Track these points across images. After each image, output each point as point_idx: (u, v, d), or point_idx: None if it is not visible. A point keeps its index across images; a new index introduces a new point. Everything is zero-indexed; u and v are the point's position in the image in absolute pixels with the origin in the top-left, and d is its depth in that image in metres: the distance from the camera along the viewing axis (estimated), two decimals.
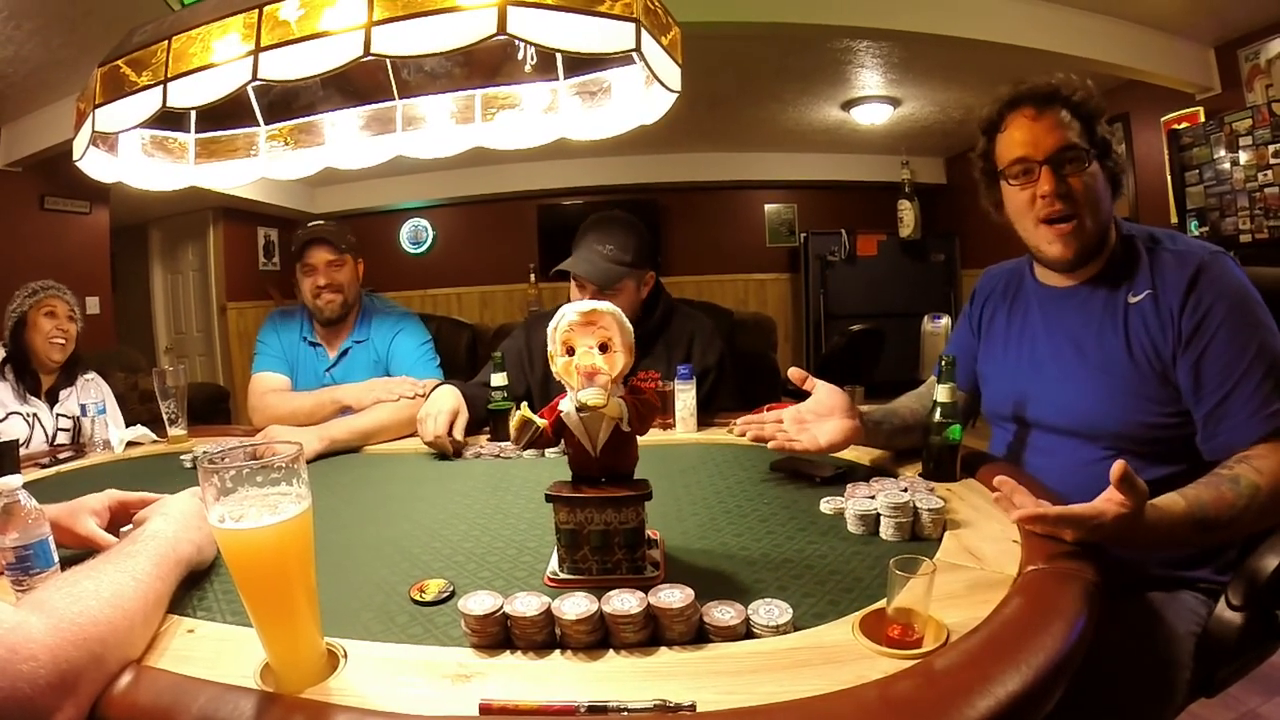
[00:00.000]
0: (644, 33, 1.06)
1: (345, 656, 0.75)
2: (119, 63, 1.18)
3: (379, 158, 1.65)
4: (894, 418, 1.40)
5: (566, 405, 0.90)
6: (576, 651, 0.75)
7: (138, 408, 3.15)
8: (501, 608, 0.76)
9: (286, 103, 1.61)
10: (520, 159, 6.29)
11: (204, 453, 0.68)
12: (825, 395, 1.32)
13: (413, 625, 0.83)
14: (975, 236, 6.58)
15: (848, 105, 5.53)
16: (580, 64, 1.49)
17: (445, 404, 1.67)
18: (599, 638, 0.76)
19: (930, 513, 1.03)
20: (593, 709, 0.64)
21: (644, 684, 0.69)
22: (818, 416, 1.31)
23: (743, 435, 1.36)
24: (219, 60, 1.09)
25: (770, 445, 1.31)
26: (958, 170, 7.14)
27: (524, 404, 0.92)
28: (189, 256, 6.75)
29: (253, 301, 6.67)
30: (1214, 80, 4.22)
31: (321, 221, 2.29)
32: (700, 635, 0.77)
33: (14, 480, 0.92)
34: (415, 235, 7.55)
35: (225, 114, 1.58)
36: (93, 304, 4.82)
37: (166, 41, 1.13)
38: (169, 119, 1.42)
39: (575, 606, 0.75)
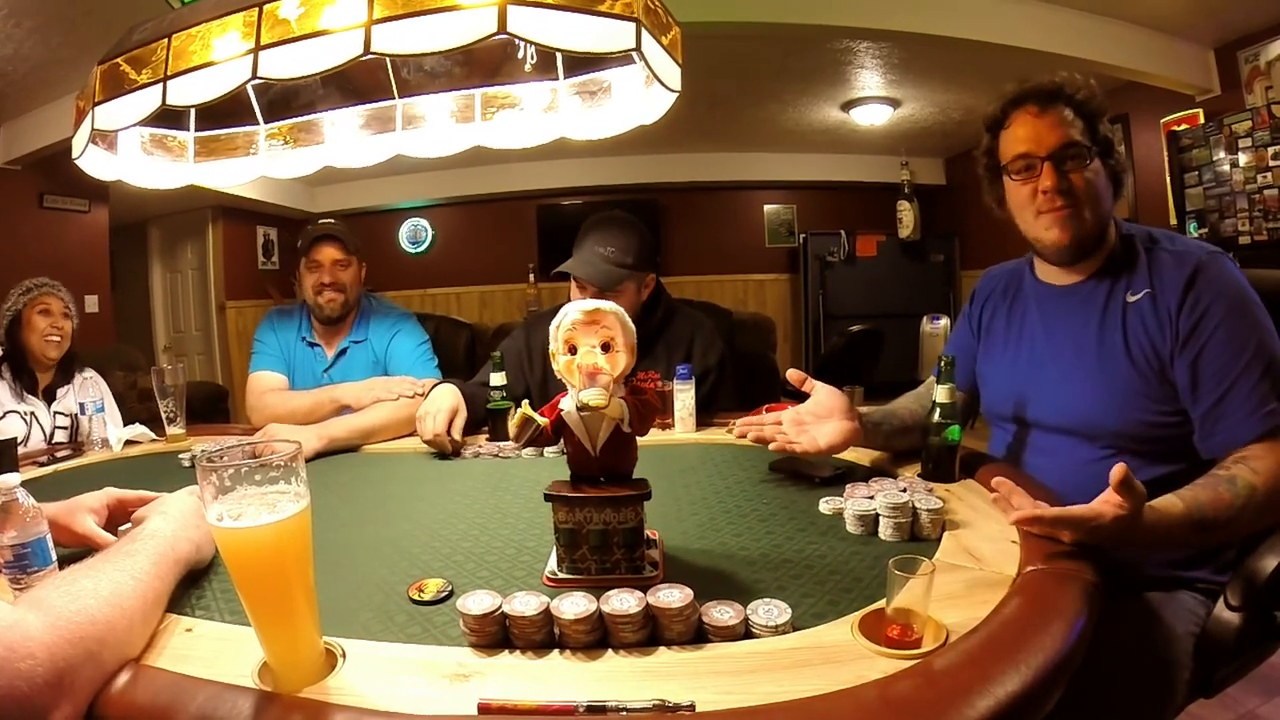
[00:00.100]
0: (644, 32, 1.06)
1: (344, 656, 0.75)
2: (119, 60, 1.17)
3: (378, 157, 1.65)
4: (893, 419, 1.41)
5: (567, 404, 0.90)
6: (575, 651, 0.75)
7: (136, 406, 3.14)
8: (500, 607, 0.76)
9: (286, 101, 1.61)
10: (520, 159, 6.29)
11: (202, 451, 0.67)
12: (824, 397, 1.32)
13: (411, 625, 0.83)
14: (974, 237, 6.58)
15: (847, 106, 5.53)
16: (580, 63, 1.49)
17: (444, 402, 1.67)
18: (598, 637, 0.76)
19: (929, 513, 1.03)
20: (591, 709, 0.64)
21: (643, 684, 0.69)
22: (816, 418, 1.31)
23: (742, 437, 1.36)
24: (219, 58, 1.09)
25: (771, 446, 1.31)
26: (957, 171, 7.15)
27: (525, 402, 0.92)
28: (188, 255, 6.74)
29: (252, 300, 6.66)
30: (1214, 82, 4.22)
31: (332, 220, 2.30)
32: (699, 635, 0.76)
33: (12, 478, 0.92)
34: (414, 235, 7.54)
35: (225, 112, 1.58)
36: (92, 302, 4.82)
37: (166, 39, 1.13)
38: (168, 117, 1.42)
39: (574, 606, 0.75)
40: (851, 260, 6.90)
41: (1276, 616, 1.22)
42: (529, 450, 1.59)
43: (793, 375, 1.33)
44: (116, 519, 1.09)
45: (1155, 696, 1.11)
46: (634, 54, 1.06)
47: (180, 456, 1.71)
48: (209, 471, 0.65)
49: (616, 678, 0.70)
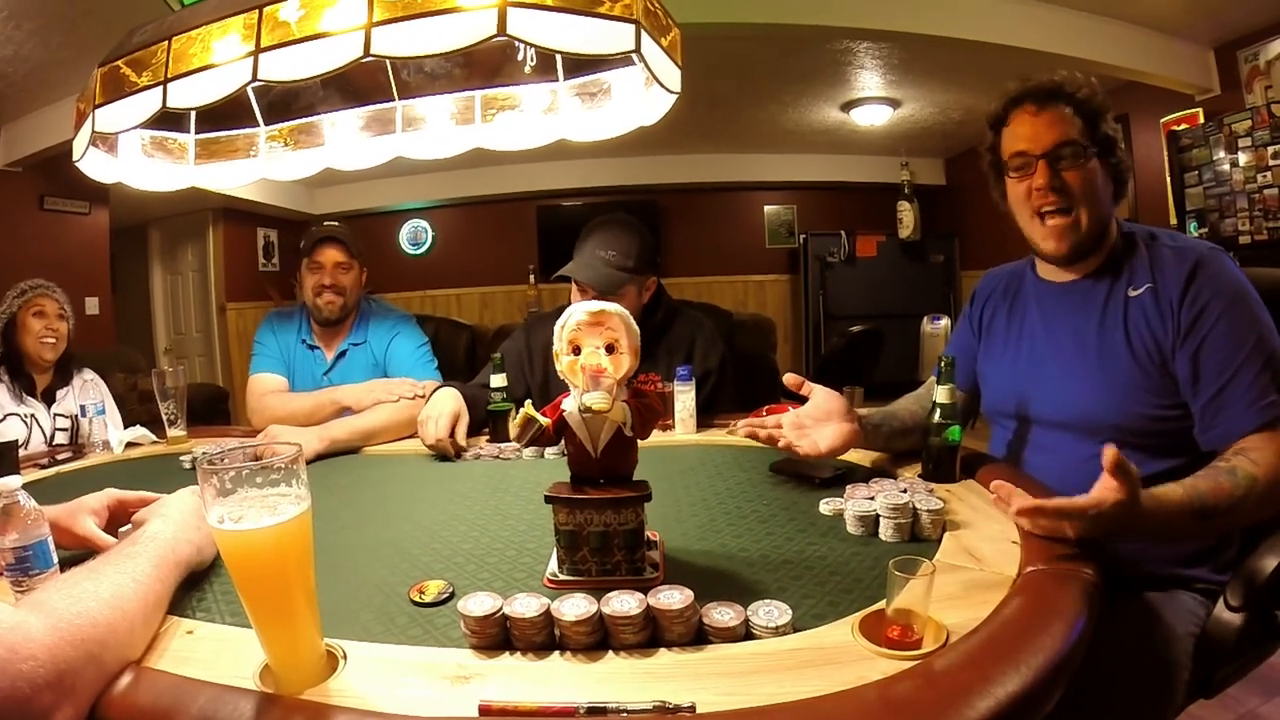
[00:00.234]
0: (644, 34, 1.06)
1: (345, 658, 0.75)
2: (119, 63, 1.18)
3: (379, 158, 1.65)
4: (893, 420, 1.41)
5: (569, 404, 0.90)
6: (576, 653, 0.75)
7: (137, 408, 3.14)
8: (501, 609, 0.76)
9: (286, 103, 1.61)
10: (520, 160, 6.28)
11: (203, 454, 0.68)
12: (823, 399, 1.32)
13: (412, 626, 0.83)
14: (975, 237, 6.58)
15: (847, 106, 5.53)
16: (580, 65, 1.49)
17: (446, 407, 1.67)
18: (598, 639, 0.76)
19: (929, 513, 1.03)
20: (592, 710, 0.64)
21: (643, 685, 0.69)
22: (816, 421, 1.31)
23: (750, 437, 1.35)
24: (219, 61, 1.09)
25: (780, 444, 1.31)
26: (957, 171, 7.15)
27: (528, 402, 0.92)
28: (188, 257, 6.75)
29: (252, 302, 6.66)
30: (1213, 81, 4.22)
31: (336, 223, 2.30)
32: (700, 636, 0.76)
33: (13, 481, 0.92)
34: (415, 236, 7.54)
35: (225, 114, 1.58)
36: (92, 304, 4.82)
37: (166, 42, 1.14)
38: (169, 119, 1.42)
39: (574, 608, 0.75)
40: (852, 261, 6.90)
41: (1277, 616, 1.22)
42: (530, 451, 1.59)
43: (789, 380, 1.34)
44: (117, 520, 1.09)
45: (1155, 696, 1.11)
46: (634, 55, 1.07)
47: (181, 458, 1.71)
48: (210, 474, 0.65)
49: (617, 679, 0.70)
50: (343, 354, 2.21)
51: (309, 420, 1.93)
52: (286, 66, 1.05)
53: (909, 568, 0.75)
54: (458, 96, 1.60)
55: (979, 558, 0.94)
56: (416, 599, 0.89)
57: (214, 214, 6.41)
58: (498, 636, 0.76)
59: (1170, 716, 1.13)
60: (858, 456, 1.42)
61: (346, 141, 1.65)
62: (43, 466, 1.76)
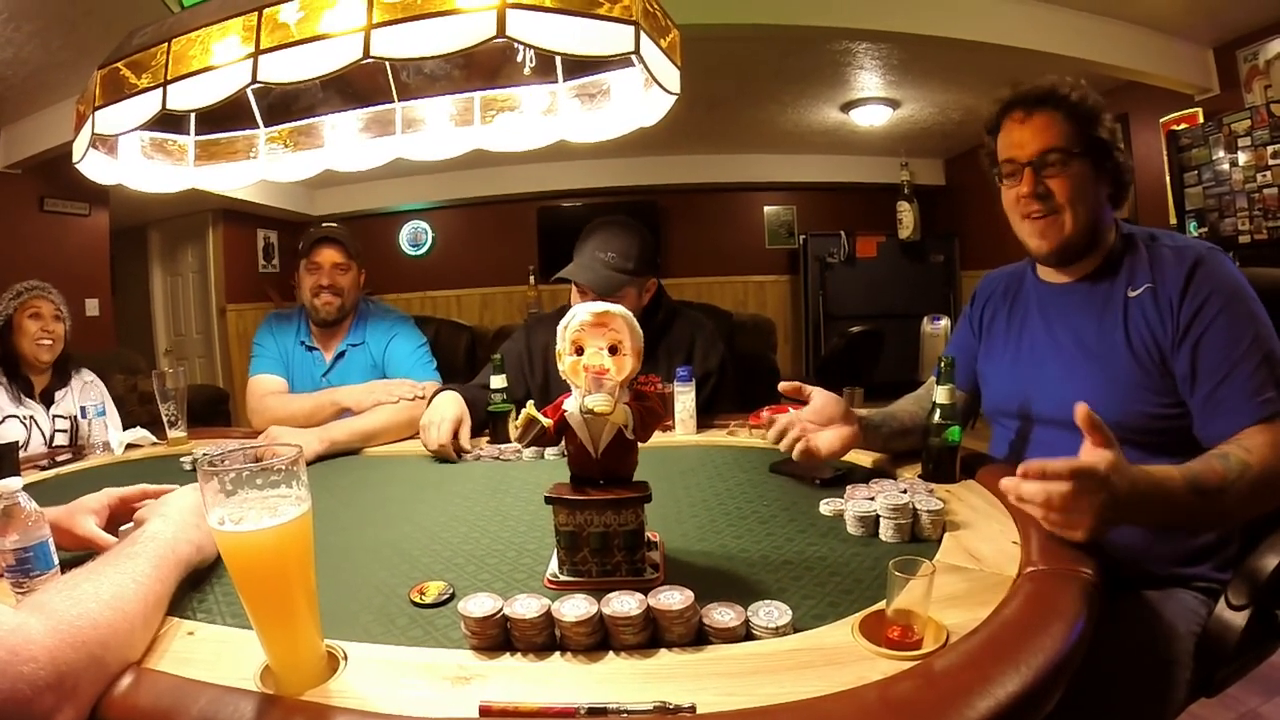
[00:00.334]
0: (643, 35, 1.06)
1: (345, 659, 0.75)
2: (119, 65, 1.18)
3: (378, 160, 1.65)
4: (893, 421, 1.41)
5: (571, 405, 0.91)
6: (576, 653, 0.75)
7: (137, 410, 3.14)
8: (501, 610, 0.76)
9: (286, 105, 1.61)
10: (520, 161, 6.29)
11: (204, 455, 0.68)
12: (822, 402, 1.32)
13: (413, 627, 0.83)
14: (974, 238, 6.58)
15: (847, 107, 5.53)
16: (579, 66, 1.50)
17: (448, 412, 1.67)
18: (599, 640, 0.76)
19: (929, 514, 1.03)
20: (593, 711, 0.64)
21: (644, 686, 0.69)
22: (816, 424, 1.31)
23: (775, 443, 1.35)
24: (218, 63, 1.09)
25: (797, 452, 1.30)
26: (957, 172, 7.15)
27: (530, 402, 0.92)
28: (188, 258, 6.75)
29: (252, 303, 6.66)
30: (1213, 81, 4.22)
31: (334, 224, 2.30)
32: (700, 637, 0.77)
33: (14, 482, 0.92)
34: (415, 237, 7.55)
35: (225, 116, 1.58)
36: (92, 306, 4.82)
37: (166, 44, 1.14)
38: (168, 121, 1.43)
39: (575, 608, 0.75)
40: (851, 261, 6.90)
41: (1278, 616, 1.22)
42: (530, 452, 1.60)
43: (785, 389, 1.34)
44: (118, 518, 1.09)
45: (1156, 696, 1.11)
46: (633, 57, 1.07)
47: (182, 460, 1.71)
48: (210, 475, 0.65)
49: (617, 680, 0.71)
50: (341, 355, 2.21)
51: (309, 421, 1.93)
52: (286, 68, 1.05)
53: (909, 568, 0.75)
54: (457, 98, 1.60)
55: (979, 558, 0.95)
56: (417, 600, 0.89)
57: (214, 215, 6.41)
58: (498, 637, 0.76)
59: (1171, 716, 1.13)
60: (858, 457, 1.42)
61: (346, 143, 1.65)
62: (43, 468, 1.77)
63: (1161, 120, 4.41)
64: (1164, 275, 1.23)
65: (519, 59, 1.47)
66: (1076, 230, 1.27)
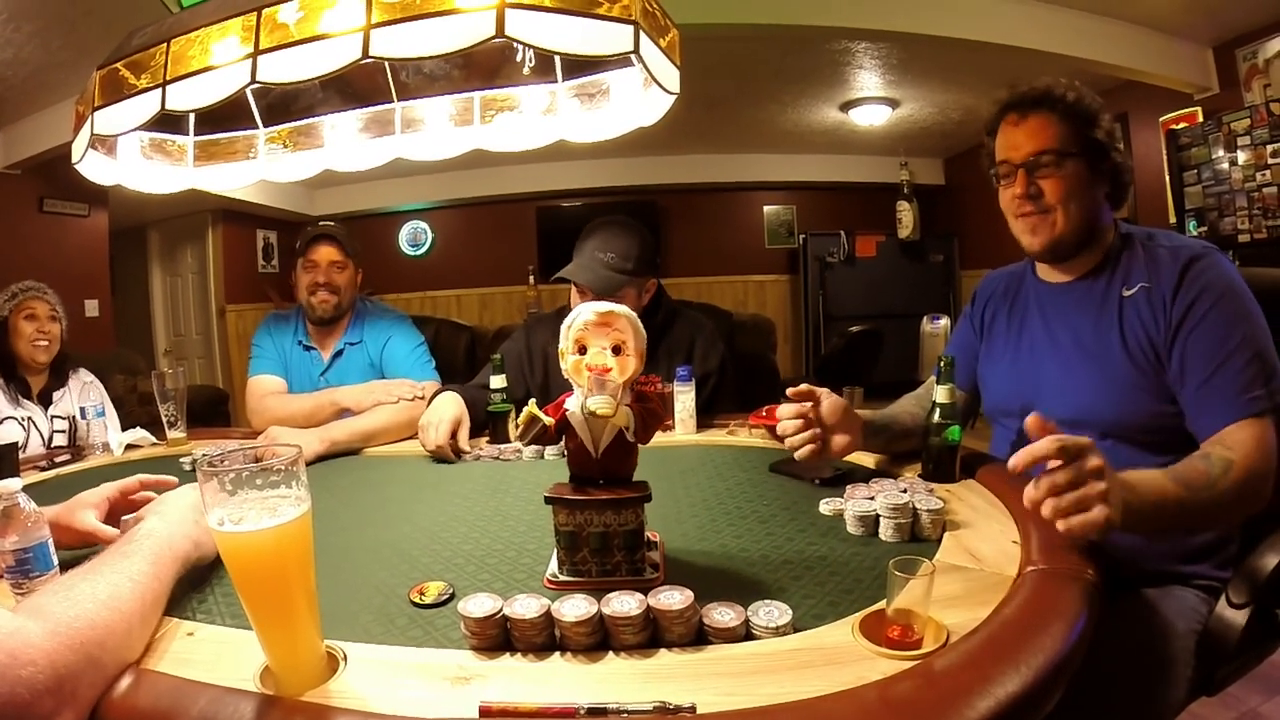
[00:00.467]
0: (642, 35, 1.06)
1: (345, 659, 0.75)
2: (118, 65, 1.17)
3: (378, 160, 1.65)
4: (895, 425, 1.41)
5: (573, 404, 0.90)
6: (576, 653, 0.75)
7: (137, 410, 3.14)
8: (501, 610, 0.76)
9: (285, 105, 1.61)
10: (519, 161, 6.28)
11: (203, 455, 0.68)
12: (831, 406, 1.32)
13: (412, 628, 0.83)
14: (974, 237, 6.59)
15: (846, 106, 5.54)
16: (579, 66, 1.49)
17: (447, 413, 1.67)
18: (598, 640, 0.76)
19: (929, 513, 1.03)
20: (592, 711, 0.64)
21: (644, 686, 0.69)
22: (827, 426, 1.31)
23: (790, 434, 1.34)
24: (218, 63, 1.09)
25: (808, 450, 1.30)
26: (956, 171, 7.16)
27: (532, 400, 0.92)
28: (188, 259, 6.75)
29: (252, 304, 6.66)
30: (1212, 80, 4.23)
31: (332, 223, 2.30)
32: (700, 637, 0.77)
33: (13, 483, 0.92)
34: (414, 237, 7.55)
35: (224, 116, 1.57)
36: (91, 306, 4.82)
37: (165, 44, 1.13)
38: (168, 121, 1.42)
39: (575, 608, 0.75)
40: (851, 261, 6.90)
41: (1278, 614, 1.22)
42: (529, 452, 1.60)
43: (795, 393, 1.32)
44: (117, 511, 1.09)
45: (1157, 695, 1.11)
46: (632, 56, 1.07)
47: (181, 460, 1.71)
48: (210, 475, 0.65)
49: (617, 680, 0.70)
50: (339, 354, 2.21)
51: (309, 422, 1.93)
52: (285, 68, 1.05)
53: (909, 568, 0.75)
54: (457, 98, 1.60)
55: (979, 558, 0.95)
56: (417, 600, 0.89)
57: (213, 216, 6.41)
58: (498, 637, 0.76)
59: (1171, 715, 1.13)
60: (858, 457, 1.42)
61: (346, 143, 1.65)
62: (42, 469, 1.77)
63: (1161, 119, 4.41)
64: (1159, 274, 1.24)
65: (518, 59, 1.47)
66: (1068, 229, 1.28)
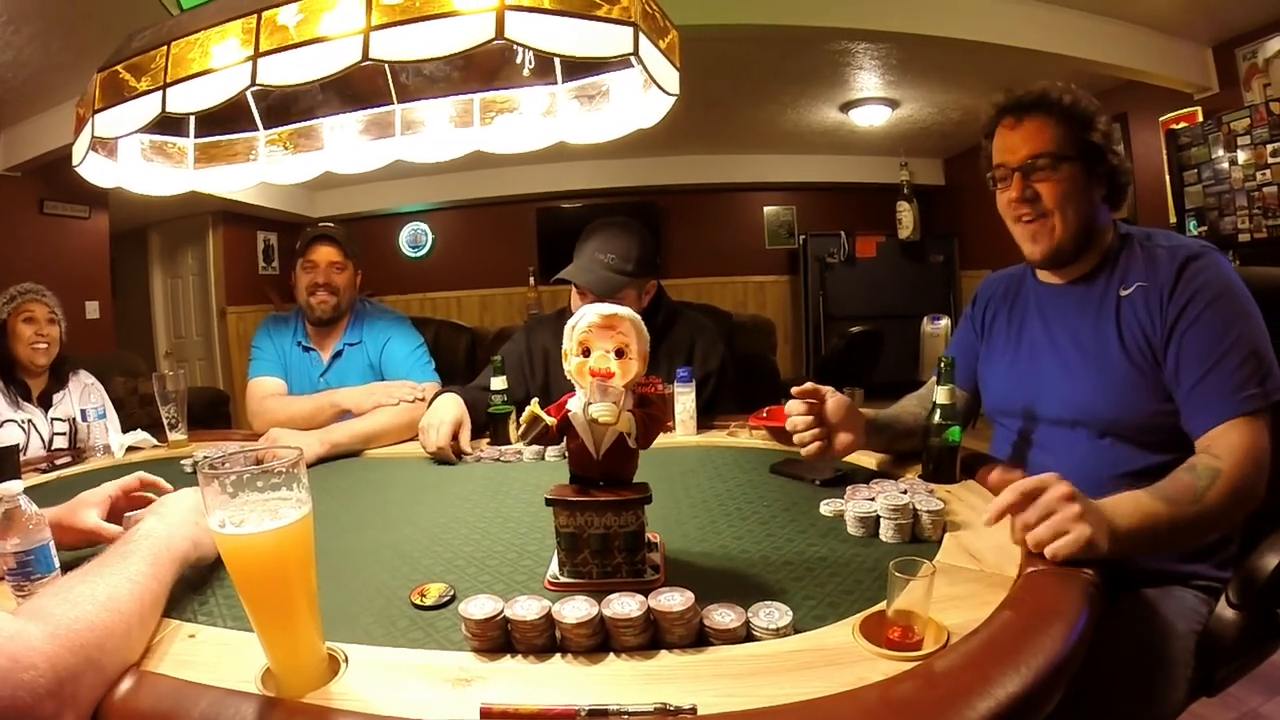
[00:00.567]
0: (642, 36, 1.06)
1: (346, 661, 0.75)
2: (118, 68, 1.18)
3: (378, 162, 1.65)
4: (897, 424, 1.42)
5: (575, 405, 0.91)
6: (577, 655, 0.75)
7: (138, 412, 3.15)
8: (502, 612, 0.76)
9: (285, 107, 1.61)
10: (519, 162, 6.29)
11: (204, 457, 0.68)
12: (836, 404, 1.32)
13: (413, 629, 0.83)
14: (974, 238, 6.58)
15: (846, 107, 5.53)
16: (578, 68, 1.49)
17: (447, 414, 1.67)
18: (599, 641, 0.76)
19: (930, 514, 1.03)
20: (593, 712, 0.64)
21: (644, 687, 0.69)
22: (832, 425, 1.31)
23: (798, 429, 1.34)
24: (218, 65, 1.09)
25: (805, 451, 1.31)
26: (956, 171, 7.15)
27: (535, 400, 0.93)
28: (188, 260, 6.75)
29: (252, 305, 6.66)
30: (1212, 80, 4.22)
31: (332, 224, 2.30)
32: (700, 638, 0.77)
33: (14, 485, 0.92)
34: (414, 239, 7.55)
35: (224, 119, 1.57)
36: (92, 308, 4.82)
37: (165, 47, 1.13)
38: (168, 124, 1.42)
39: (575, 610, 0.76)
40: (851, 261, 6.90)
41: (1278, 615, 1.22)
42: (530, 453, 1.60)
43: (800, 392, 1.32)
44: (119, 510, 1.10)
45: (1157, 695, 1.11)
46: (632, 58, 1.07)
47: (182, 462, 1.71)
48: (211, 478, 0.66)
49: (618, 681, 0.71)
50: (338, 355, 2.21)
51: (309, 423, 1.93)
52: (285, 71, 1.05)
53: (909, 569, 0.75)
54: (457, 99, 1.60)
55: (979, 558, 0.95)
56: (417, 602, 0.89)
57: (214, 217, 6.41)
58: (499, 639, 0.76)
59: (1172, 715, 1.13)
60: (859, 458, 1.42)
61: (346, 145, 1.65)
62: (43, 471, 1.77)
63: (1161, 119, 4.41)
64: (1156, 273, 1.24)
65: (518, 60, 1.47)
66: (1067, 234, 1.28)
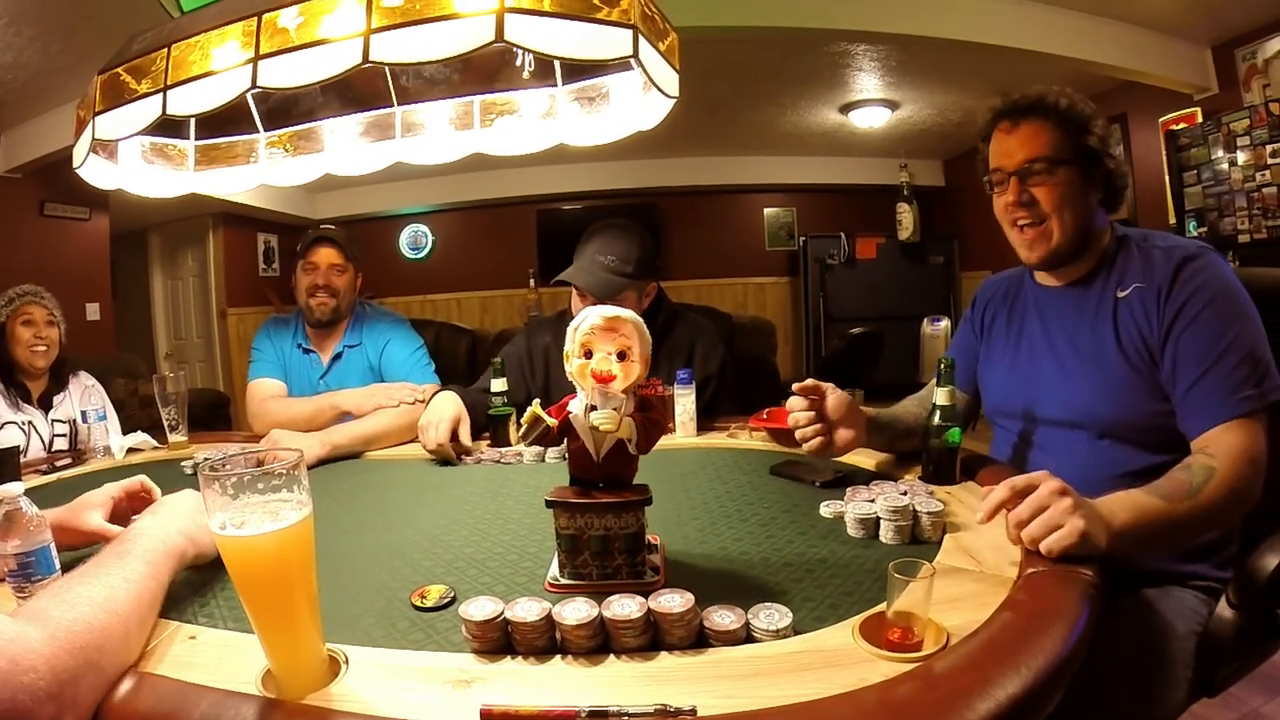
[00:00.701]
0: (641, 39, 1.06)
1: (347, 662, 0.75)
2: (119, 70, 1.18)
3: (378, 164, 1.65)
4: (898, 423, 1.42)
5: (576, 406, 0.91)
6: (577, 656, 0.75)
7: (138, 413, 3.14)
8: (502, 613, 0.76)
9: (286, 109, 1.62)
10: (519, 164, 6.30)
11: (205, 459, 0.68)
12: (836, 401, 1.32)
13: (414, 631, 0.83)
14: (974, 239, 6.59)
15: (846, 108, 5.54)
16: (578, 70, 1.50)
17: (446, 411, 1.67)
18: (599, 643, 0.76)
19: (930, 515, 1.03)
20: (593, 714, 0.64)
21: (644, 689, 0.69)
22: (833, 422, 1.32)
23: (799, 425, 1.35)
24: (218, 68, 1.09)
25: (807, 447, 1.31)
26: (956, 173, 7.16)
27: (536, 401, 0.93)
28: (189, 262, 6.75)
29: (253, 307, 6.66)
30: (1211, 80, 4.23)
31: (333, 226, 2.31)
32: (700, 640, 0.77)
33: (15, 487, 0.92)
34: (415, 240, 7.55)
35: (225, 121, 1.58)
36: (92, 310, 4.82)
37: (166, 49, 1.14)
38: (169, 126, 1.43)
39: (576, 612, 0.76)
40: (851, 263, 6.90)
41: (1278, 615, 1.22)
42: (530, 455, 1.60)
43: (801, 388, 1.32)
44: (122, 512, 1.10)
45: (1157, 696, 1.11)
46: (631, 60, 1.07)
47: (183, 464, 1.71)
48: (212, 479, 0.66)
49: (618, 683, 0.71)
50: (338, 357, 2.21)
51: (309, 425, 1.93)
52: (286, 73, 1.06)
53: (909, 570, 0.75)
54: (457, 102, 1.60)
55: (979, 559, 0.95)
56: (418, 604, 0.89)
57: (214, 219, 6.41)
58: (499, 641, 0.77)
59: (1172, 716, 1.13)
60: (858, 459, 1.42)
61: (346, 147, 1.65)
62: (43, 473, 1.77)
63: (1160, 120, 4.41)
64: (1152, 274, 1.24)
65: (518, 63, 1.47)
66: (1064, 239, 1.29)
